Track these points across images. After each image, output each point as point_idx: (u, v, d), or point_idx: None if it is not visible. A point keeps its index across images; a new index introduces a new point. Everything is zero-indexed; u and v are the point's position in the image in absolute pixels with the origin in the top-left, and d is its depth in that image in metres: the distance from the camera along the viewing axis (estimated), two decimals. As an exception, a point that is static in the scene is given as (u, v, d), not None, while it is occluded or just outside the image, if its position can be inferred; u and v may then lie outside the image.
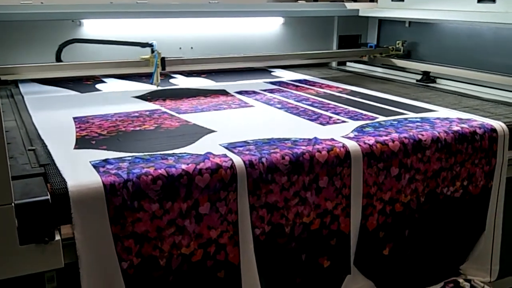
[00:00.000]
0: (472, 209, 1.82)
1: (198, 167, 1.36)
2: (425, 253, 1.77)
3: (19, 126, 1.83)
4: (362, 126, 1.79)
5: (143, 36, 2.75)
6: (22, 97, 2.32)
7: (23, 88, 2.49)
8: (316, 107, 2.14)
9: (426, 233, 1.75)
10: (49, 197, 1.21)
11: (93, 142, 1.63)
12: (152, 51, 2.57)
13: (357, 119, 1.91)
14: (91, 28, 2.77)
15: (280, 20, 3.22)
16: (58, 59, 2.64)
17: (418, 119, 1.88)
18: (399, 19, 3.07)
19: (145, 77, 2.73)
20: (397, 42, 3.07)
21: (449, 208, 1.77)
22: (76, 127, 1.80)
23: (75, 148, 1.57)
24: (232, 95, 2.41)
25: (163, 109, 2.10)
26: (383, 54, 3.12)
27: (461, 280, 1.82)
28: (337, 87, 2.63)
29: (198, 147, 1.55)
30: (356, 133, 1.70)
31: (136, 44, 2.69)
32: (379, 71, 3.12)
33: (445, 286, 1.79)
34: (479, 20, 2.49)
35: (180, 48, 2.87)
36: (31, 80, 2.63)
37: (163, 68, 2.56)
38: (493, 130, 1.79)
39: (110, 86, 2.64)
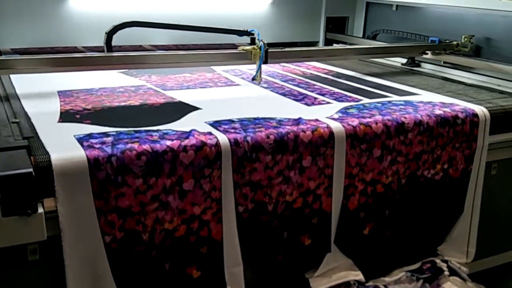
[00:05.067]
0: (451, 192, 1.85)
1: (183, 143, 1.36)
2: (404, 233, 1.80)
3: (3, 98, 1.81)
4: (346, 108, 1.81)
5: (130, 13, 2.70)
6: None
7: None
8: (302, 87, 2.14)
9: (405, 214, 1.78)
10: (32, 169, 1.20)
11: (78, 116, 1.62)
12: (253, 41, 2.11)
13: (342, 101, 1.92)
14: (76, 1, 2.72)
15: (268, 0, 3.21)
16: (109, 48, 2.08)
17: (402, 102, 1.90)
18: (386, 2, 3.07)
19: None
20: (463, 37, 2.53)
21: (429, 190, 1.80)
22: (61, 101, 1.79)
23: (59, 121, 1.57)
24: (219, 74, 2.41)
25: (149, 85, 2.09)
26: (447, 50, 2.60)
27: (438, 261, 1.86)
28: (323, 69, 2.63)
29: (183, 124, 1.55)
30: (340, 114, 1.71)
31: (232, 32, 2.20)
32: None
33: (423, 266, 1.83)
34: (465, 5, 2.50)
35: (167, 24, 2.84)
36: (15, 52, 2.59)
37: (265, 61, 2.08)
38: (475, 114, 1.81)
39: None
